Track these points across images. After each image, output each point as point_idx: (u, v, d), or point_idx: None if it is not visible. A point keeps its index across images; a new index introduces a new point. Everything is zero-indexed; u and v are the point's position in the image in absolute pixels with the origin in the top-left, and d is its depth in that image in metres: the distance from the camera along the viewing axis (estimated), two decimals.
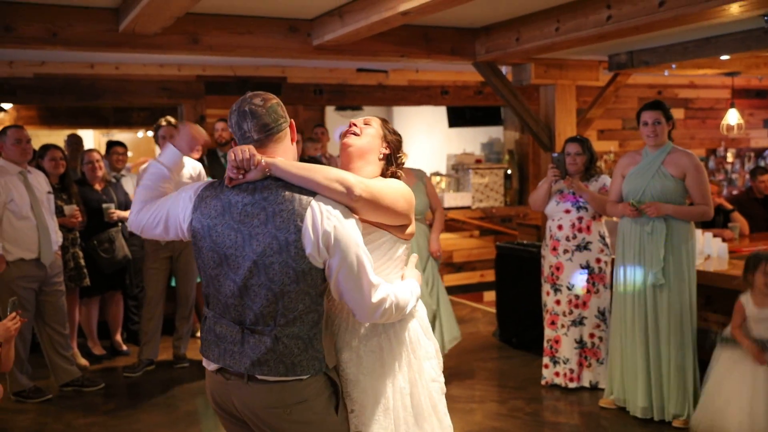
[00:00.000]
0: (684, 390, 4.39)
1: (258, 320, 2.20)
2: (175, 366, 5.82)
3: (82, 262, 5.76)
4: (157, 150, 5.90)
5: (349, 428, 2.36)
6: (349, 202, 2.22)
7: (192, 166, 5.70)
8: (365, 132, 2.50)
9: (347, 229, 2.18)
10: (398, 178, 2.53)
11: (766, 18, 4.56)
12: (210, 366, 2.35)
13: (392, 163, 2.54)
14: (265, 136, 2.25)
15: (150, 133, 5.76)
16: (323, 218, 2.15)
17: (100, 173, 5.99)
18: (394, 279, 2.42)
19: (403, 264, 2.50)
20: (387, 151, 2.51)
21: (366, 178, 2.33)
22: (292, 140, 2.34)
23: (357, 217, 2.26)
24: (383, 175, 2.51)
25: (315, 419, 2.26)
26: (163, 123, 5.74)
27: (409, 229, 2.47)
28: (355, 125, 2.52)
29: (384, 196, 2.31)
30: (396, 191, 2.38)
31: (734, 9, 4.15)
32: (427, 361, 2.48)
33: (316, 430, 2.27)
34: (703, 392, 4.20)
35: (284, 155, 2.29)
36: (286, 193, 2.18)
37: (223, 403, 2.35)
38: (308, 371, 2.22)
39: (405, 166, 2.68)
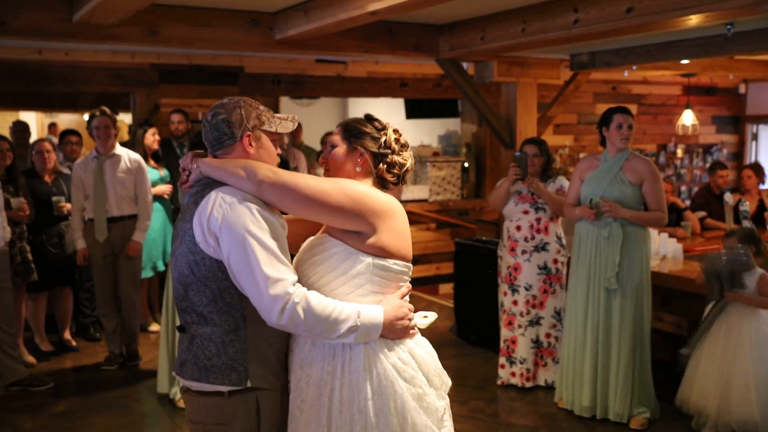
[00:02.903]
0: (631, 391, 4.46)
1: (183, 317, 2.23)
2: (128, 363, 5.67)
3: (30, 256, 5.55)
4: None
5: None
6: (253, 190, 2.10)
7: (129, 158, 5.50)
8: (331, 160, 2.31)
9: (237, 214, 2.06)
10: (392, 173, 2.32)
11: (728, 27, 4.61)
12: None
13: (380, 160, 2.30)
14: (212, 149, 2.26)
15: None
16: (215, 205, 2.10)
17: (50, 165, 5.77)
18: (356, 301, 2.14)
19: (375, 286, 2.17)
20: (365, 158, 2.28)
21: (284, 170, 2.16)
22: (247, 150, 2.19)
23: (263, 206, 2.10)
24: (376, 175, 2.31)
25: None
26: (98, 113, 5.40)
27: (374, 240, 2.14)
28: (326, 161, 2.33)
29: (304, 185, 2.09)
30: (334, 184, 2.13)
31: (699, 18, 4.19)
32: (384, 417, 2.09)
33: None
34: (688, 370, 4.35)
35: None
36: (199, 188, 2.21)
37: None
38: (222, 381, 2.11)
39: None
